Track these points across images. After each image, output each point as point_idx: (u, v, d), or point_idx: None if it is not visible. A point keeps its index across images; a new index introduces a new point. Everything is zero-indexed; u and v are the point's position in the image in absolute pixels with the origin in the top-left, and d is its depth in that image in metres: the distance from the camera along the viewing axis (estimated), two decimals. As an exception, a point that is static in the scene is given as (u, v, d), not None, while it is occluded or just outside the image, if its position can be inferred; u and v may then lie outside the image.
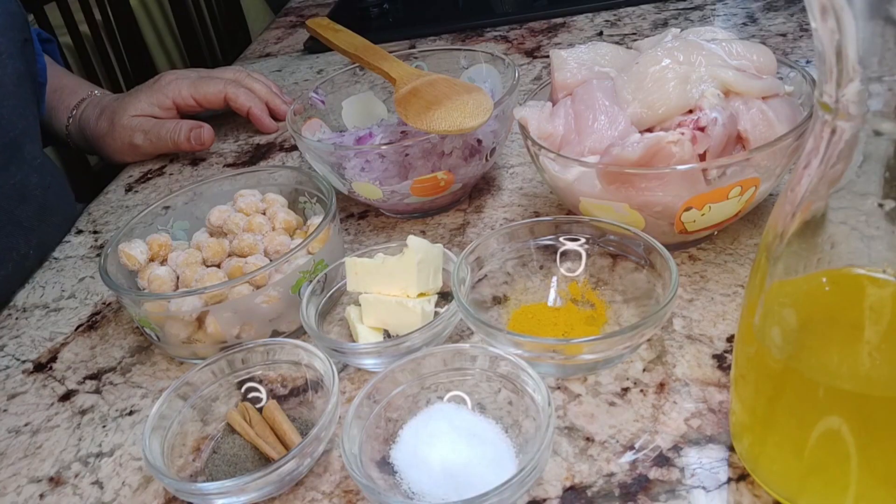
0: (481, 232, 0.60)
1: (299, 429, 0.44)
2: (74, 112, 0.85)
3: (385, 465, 0.40)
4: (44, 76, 0.83)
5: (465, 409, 0.42)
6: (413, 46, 0.99)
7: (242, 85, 0.85)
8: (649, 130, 0.49)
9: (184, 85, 0.83)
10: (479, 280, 0.49)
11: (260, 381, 0.47)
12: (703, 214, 0.47)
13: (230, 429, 0.45)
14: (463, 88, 0.57)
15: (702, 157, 0.47)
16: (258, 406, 0.46)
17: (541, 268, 0.50)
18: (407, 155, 0.58)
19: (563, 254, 0.50)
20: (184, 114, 0.85)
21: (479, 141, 0.60)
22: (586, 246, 0.49)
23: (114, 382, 0.53)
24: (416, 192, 0.59)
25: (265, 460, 0.43)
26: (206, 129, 0.81)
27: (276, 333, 0.52)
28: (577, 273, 0.50)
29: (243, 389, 0.47)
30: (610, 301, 0.49)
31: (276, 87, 0.89)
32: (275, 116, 0.86)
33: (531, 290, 0.50)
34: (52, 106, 0.85)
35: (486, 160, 0.61)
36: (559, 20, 0.98)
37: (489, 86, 0.67)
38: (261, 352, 0.47)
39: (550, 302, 0.50)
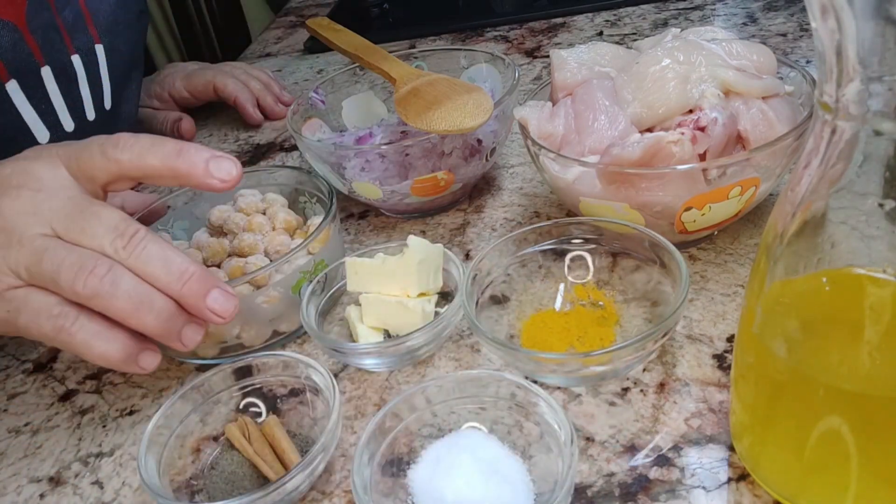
0: (481, 232, 0.60)
1: (299, 446, 0.43)
2: None
3: (399, 489, 0.39)
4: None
5: (494, 442, 0.40)
6: (413, 46, 0.99)
7: (235, 76, 0.87)
8: (649, 130, 0.49)
9: (178, 77, 0.86)
10: (485, 287, 0.49)
11: (259, 388, 0.46)
12: (703, 214, 0.47)
13: (230, 443, 0.44)
14: (463, 88, 0.57)
15: (702, 157, 0.47)
16: (258, 420, 0.45)
17: (547, 272, 0.50)
18: (407, 155, 0.58)
19: (569, 256, 0.50)
20: (182, 106, 0.87)
21: (479, 141, 0.60)
22: (591, 247, 0.49)
23: (114, 382, 0.53)
24: (416, 192, 0.59)
25: (263, 479, 0.42)
26: (185, 120, 0.84)
27: (276, 333, 0.52)
28: (583, 274, 0.50)
29: (242, 405, 0.46)
30: (618, 300, 0.49)
31: (278, 86, 0.90)
32: (264, 113, 0.87)
33: (538, 295, 0.50)
34: None
35: (486, 160, 0.61)
36: (559, 20, 0.98)
37: (489, 86, 0.67)
38: (260, 367, 0.46)
39: (558, 306, 0.49)
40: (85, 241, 0.41)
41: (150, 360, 0.43)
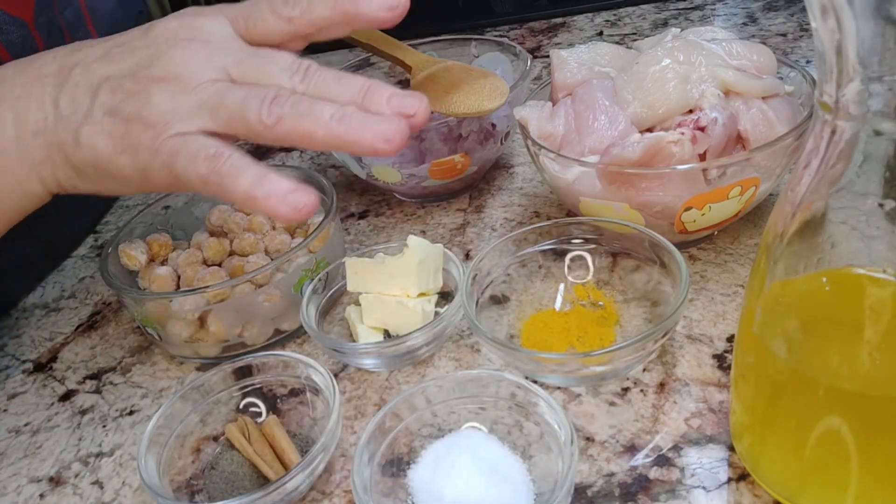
0: (481, 232, 0.60)
1: (299, 446, 0.43)
2: None
3: (399, 489, 0.39)
4: None
5: (494, 442, 0.41)
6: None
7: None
8: (649, 130, 0.49)
9: None
10: (485, 287, 0.49)
11: (259, 388, 0.46)
12: (703, 214, 0.47)
13: (230, 443, 0.44)
14: (478, 73, 0.58)
15: (702, 157, 0.47)
16: (258, 420, 0.45)
17: (547, 272, 0.50)
18: (423, 140, 0.59)
19: (569, 256, 0.50)
20: None
21: (494, 125, 0.61)
22: (591, 247, 0.49)
23: (114, 382, 0.53)
24: (435, 175, 0.60)
25: (263, 478, 0.42)
26: None
27: (277, 332, 0.52)
28: (583, 274, 0.50)
29: (242, 405, 0.46)
30: (618, 300, 0.49)
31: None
32: None
33: (538, 295, 0.50)
34: None
35: (501, 143, 0.63)
36: (559, 20, 0.98)
37: (500, 73, 0.67)
38: (260, 367, 0.46)
39: (558, 306, 0.49)
40: (262, 80, 0.41)
41: (301, 197, 0.38)
